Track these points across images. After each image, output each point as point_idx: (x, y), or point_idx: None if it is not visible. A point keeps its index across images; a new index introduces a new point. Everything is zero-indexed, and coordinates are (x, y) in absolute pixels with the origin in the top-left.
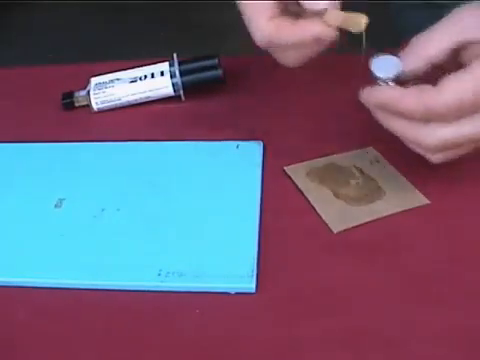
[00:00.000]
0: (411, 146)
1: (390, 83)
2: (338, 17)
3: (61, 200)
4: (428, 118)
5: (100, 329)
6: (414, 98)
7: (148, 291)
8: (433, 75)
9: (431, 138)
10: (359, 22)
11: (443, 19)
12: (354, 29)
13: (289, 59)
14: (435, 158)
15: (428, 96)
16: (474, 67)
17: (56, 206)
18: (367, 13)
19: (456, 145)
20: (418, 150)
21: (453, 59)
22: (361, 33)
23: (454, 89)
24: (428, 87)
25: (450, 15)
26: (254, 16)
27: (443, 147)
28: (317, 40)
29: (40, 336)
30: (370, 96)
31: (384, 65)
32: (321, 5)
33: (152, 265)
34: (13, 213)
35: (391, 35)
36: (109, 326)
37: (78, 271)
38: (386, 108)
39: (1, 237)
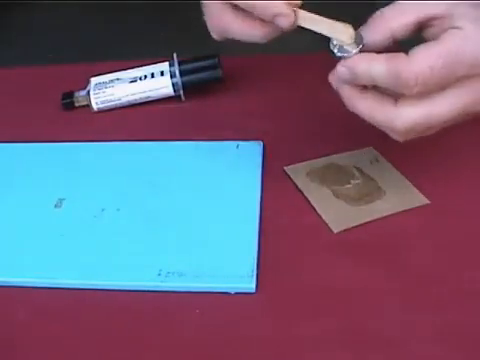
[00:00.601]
0: (378, 126)
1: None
2: (319, 23)
3: (61, 200)
4: (397, 86)
5: (100, 329)
6: (385, 63)
7: (148, 291)
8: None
9: (401, 121)
10: (346, 31)
11: None
12: (341, 38)
13: (218, 29)
14: (403, 138)
15: (399, 62)
16: (445, 38)
17: (56, 206)
18: (352, 11)
19: (426, 127)
20: (386, 131)
21: (414, 35)
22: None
23: (424, 58)
24: (399, 54)
25: None
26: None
27: (412, 130)
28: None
29: (40, 336)
30: (340, 69)
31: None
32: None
33: (152, 265)
34: (13, 213)
35: None
36: (109, 326)
37: (78, 271)
38: (356, 78)
39: (1, 237)
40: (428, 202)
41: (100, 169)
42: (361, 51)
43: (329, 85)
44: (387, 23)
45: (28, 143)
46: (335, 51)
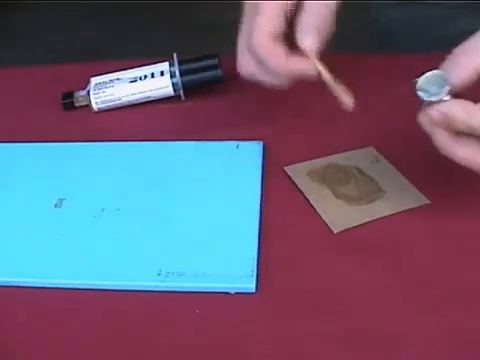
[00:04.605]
0: (475, 169)
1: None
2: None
3: (61, 200)
4: None
5: (100, 329)
6: None
7: (148, 291)
8: None
9: None
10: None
11: None
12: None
13: (247, 69)
14: None
15: None
16: None
17: (56, 206)
18: (348, 11)
19: None
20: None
21: None
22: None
23: None
24: None
25: None
26: (261, 21)
27: None
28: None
29: (40, 336)
30: (434, 113)
31: (430, 84)
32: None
33: (152, 265)
34: (13, 213)
35: (373, 34)
36: (109, 326)
37: (78, 271)
38: (451, 121)
39: (1, 237)
40: (428, 202)
41: (100, 169)
42: (449, 93)
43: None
44: (471, 58)
45: (28, 143)
46: (420, 94)
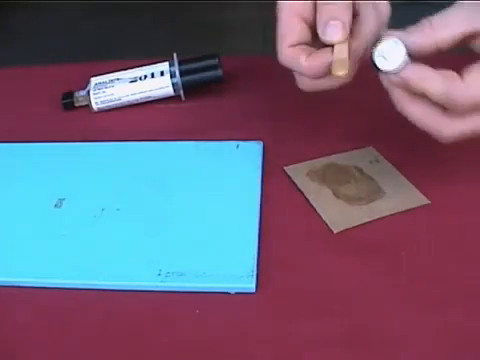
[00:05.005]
0: (425, 130)
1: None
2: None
3: (61, 200)
4: (449, 105)
5: (100, 329)
6: (440, 84)
7: (148, 291)
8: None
9: (449, 131)
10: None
11: (457, 4)
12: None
13: (304, 85)
14: (449, 143)
15: (454, 86)
16: None
17: (56, 206)
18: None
19: (472, 137)
20: (432, 135)
21: (458, 46)
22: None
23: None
24: (454, 76)
25: (465, 1)
26: (279, 38)
27: (460, 138)
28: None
29: (40, 336)
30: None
31: (387, 53)
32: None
33: (152, 265)
34: (13, 213)
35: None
36: (109, 326)
37: (78, 271)
38: (408, 86)
39: (1, 237)
40: (428, 202)
41: (100, 169)
42: (405, 66)
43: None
44: (434, 30)
45: (28, 143)
46: (377, 63)
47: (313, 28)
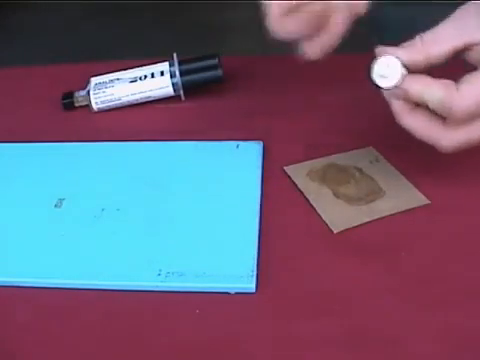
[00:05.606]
0: (424, 140)
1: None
2: None
3: (61, 200)
4: (445, 114)
5: (100, 329)
6: (439, 91)
7: (148, 291)
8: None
9: (447, 142)
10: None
11: (447, 19)
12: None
13: (312, 48)
14: (449, 152)
15: (451, 96)
16: None
17: (56, 206)
18: None
19: (469, 145)
20: (431, 144)
21: (451, 58)
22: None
23: (474, 95)
24: (451, 84)
25: (454, 14)
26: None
27: (459, 148)
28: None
29: (40, 336)
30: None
31: (384, 71)
32: None
33: (152, 265)
34: (13, 213)
35: (373, 33)
36: (109, 326)
37: (78, 271)
38: (407, 96)
39: (1, 237)
40: (428, 202)
41: (100, 169)
42: (402, 82)
43: (329, 85)
44: (426, 49)
45: (28, 143)
46: (377, 82)
47: None
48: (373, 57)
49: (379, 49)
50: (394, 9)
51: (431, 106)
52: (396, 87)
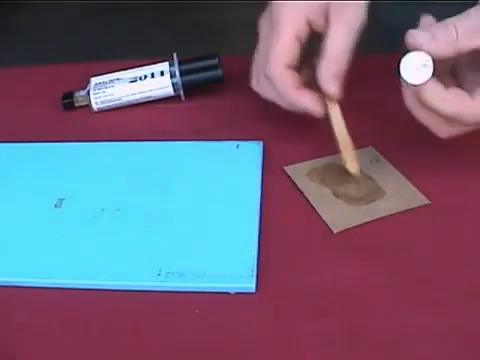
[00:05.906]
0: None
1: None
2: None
3: (61, 200)
4: (455, 120)
5: (100, 329)
6: (451, 107)
7: (148, 291)
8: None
9: (448, 132)
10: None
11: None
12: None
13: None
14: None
15: (464, 107)
16: None
17: (56, 206)
18: None
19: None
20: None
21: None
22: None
23: None
24: (465, 97)
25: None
26: (276, 55)
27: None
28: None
29: (40, 336)
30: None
31: (415, 67)
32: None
33: (152, 265)
34: (13, 213)
35: (383, 34)
36: (109, 326)
37: (78, 271)
38: (420, 99)
39: (1, 237)
40: (428, 202)
41: (100, 169)
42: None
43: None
44: (458, 43)
45: (28, 143)
46: (403, 75)
47: (303, 49)
48: (408, 49)
49: (411, 37)
50: (394, 9)
51: (441, 114)
52: (419, 85)
